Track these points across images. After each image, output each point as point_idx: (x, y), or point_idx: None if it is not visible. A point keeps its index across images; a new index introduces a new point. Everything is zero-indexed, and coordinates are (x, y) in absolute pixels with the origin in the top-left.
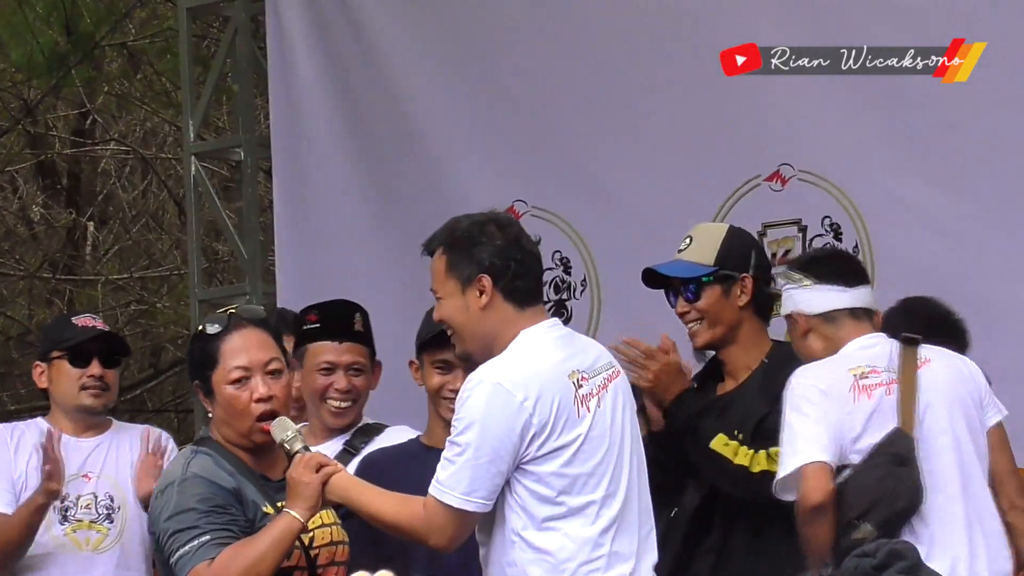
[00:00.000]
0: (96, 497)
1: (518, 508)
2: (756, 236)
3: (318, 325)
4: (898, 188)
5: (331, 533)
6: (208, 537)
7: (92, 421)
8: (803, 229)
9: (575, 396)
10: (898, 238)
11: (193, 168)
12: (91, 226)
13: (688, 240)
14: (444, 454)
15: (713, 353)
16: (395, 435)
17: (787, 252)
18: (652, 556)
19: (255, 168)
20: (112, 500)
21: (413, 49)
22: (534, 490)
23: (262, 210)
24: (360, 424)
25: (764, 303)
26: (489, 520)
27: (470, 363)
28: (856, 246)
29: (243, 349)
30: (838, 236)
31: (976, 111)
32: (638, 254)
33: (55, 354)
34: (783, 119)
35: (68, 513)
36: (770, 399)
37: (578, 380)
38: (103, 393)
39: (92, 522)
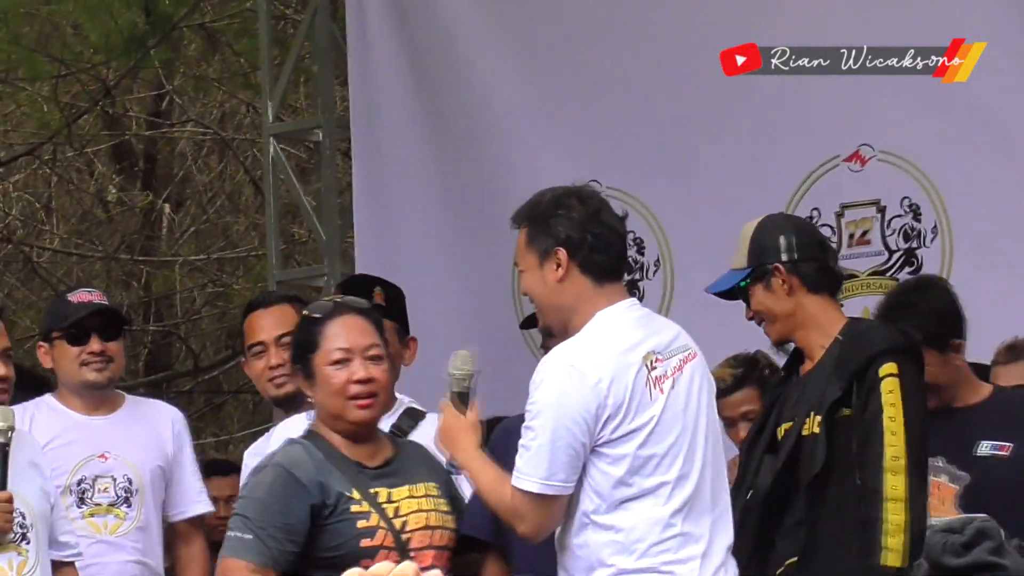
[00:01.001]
0: (114, 479)
1: (590, 491)
2: (834, 216)
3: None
4: (979, 170)
5: (427, 518)
6: (251, 536)
7: (101, 397)
8: (882, 210)
9: (648, 378)
10: (978, 220)
11: (272, 149)
12: (168, 208)
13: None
14: (520, 441)
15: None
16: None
17: (865, 233)
18: (727, 537)
19: (333, 149)
20: (130, 483)
21: (489, 31)
22: (607, 472)
23: (339, 192)
24: (405, 407)
25: (821, 279)
26: (567, 507)
27: (553, 337)
28: (935, 227)
29: (345, 333)
30: (917, 217)
31: None
32: (712, 235)
33: (55, 334)
34: (863, 100)
35: (85, 496)
36: (845, 379)
37: (652, 362)
38: (106, 367)
39: (111, 505)
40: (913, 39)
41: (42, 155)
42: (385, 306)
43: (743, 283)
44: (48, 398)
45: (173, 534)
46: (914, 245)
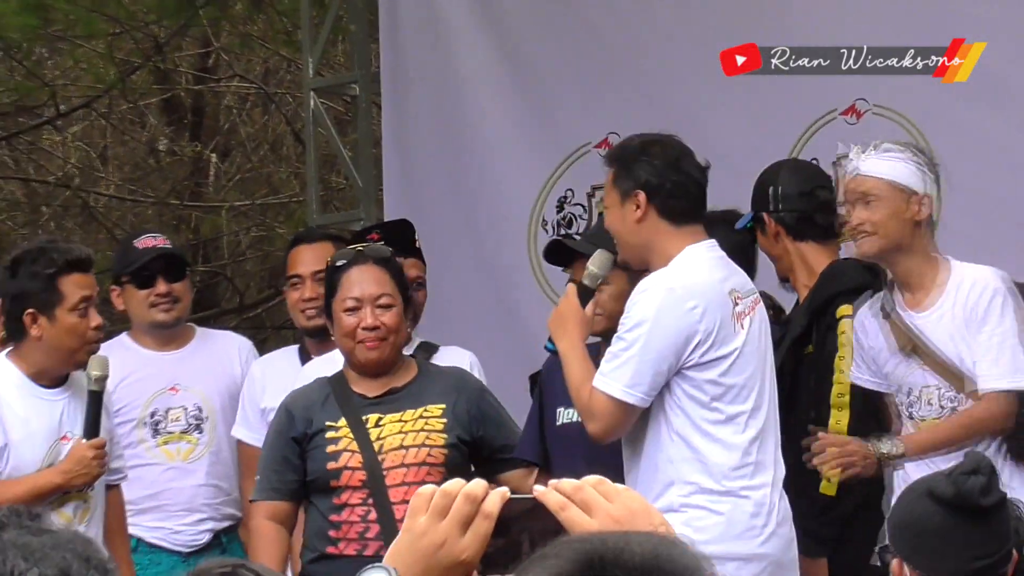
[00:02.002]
0: (185, 409)
1: (677, 409)
2: (831, 166)
3: (381, 243)
4: (967, 120)
5: (403, 438)
6: (259, 477)
7: (171, 334)
8: None
9: (733, 312)
10: (967, 168)
11: (312, 103)
12: (214, 157)
13: None
14: (610, 349)
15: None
16: (449, 354)
17: None
18: (781, 469)
19: (369, 103)
20: (200, 411)
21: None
22: (692, 395)
23: (374, 143)
24: (419, 341)
25: (802, 228)
26: (644, 419)
27: (629, 271)
28: None
29: (359, 282)
30: None
31: None
32: (720, 184)
33: (124, 278)
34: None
35: (159, 427)
36: (807, 317)
37: (735, 298)
38: (173, 306)
39: (183, 433)
40: (913, 39)
41: (98, 108)
42: (420, 249)
43: (748, 225)
44: (123, 337)
45: (244, 457)
46: None
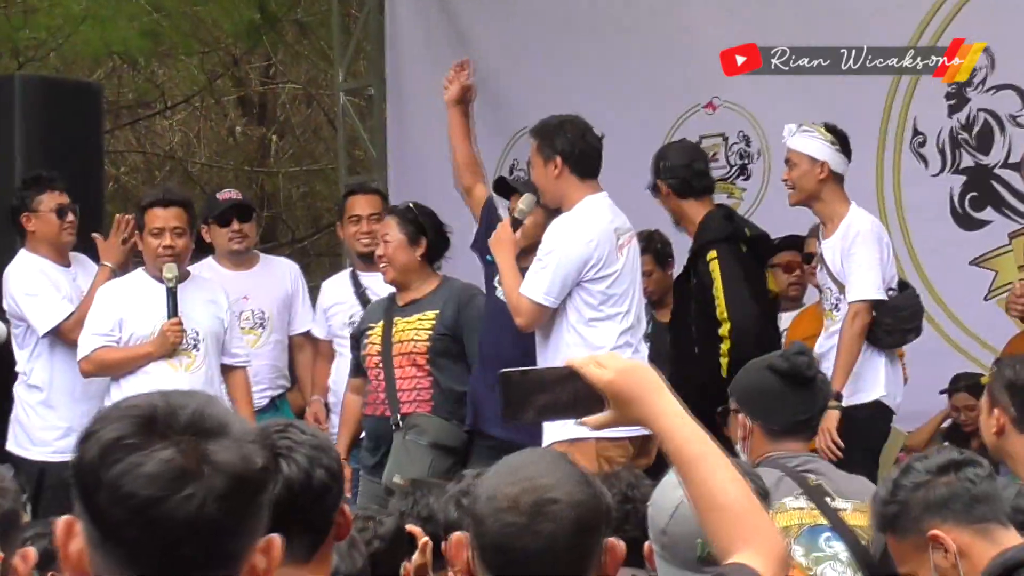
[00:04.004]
0: (253, 312)
1: (574, 309)
2: (695, 143)
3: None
4: (787, 111)
5: (403, 334)
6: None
7: (242, 259)
8: (725, 139)
9: (615, 244)
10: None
11: (342, 100)
12: (274, 138)
13: None
14: (531, 267)
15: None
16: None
17: (715, 154)
18: (645, 348)
19: (381, 100)
20: (264, 313)
21: (492, 24)
22: (586, 300)
23: (384, 128)
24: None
25: (683, 189)
26: (553, 316)
27: (546, 208)
28: (759, 151)
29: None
30: (748, 144)
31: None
32: (615, 153)
33: (210, 220)
34: (715, 64)
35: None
36: (688, 259)
37: (618, 235)
38: (243, 240)
39: (251, 328)
40: (913, 39)
41: (193, 103)
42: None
43: (648, 188)
44: (210, 260)
45: (292, 345)
46: (746, 162)
